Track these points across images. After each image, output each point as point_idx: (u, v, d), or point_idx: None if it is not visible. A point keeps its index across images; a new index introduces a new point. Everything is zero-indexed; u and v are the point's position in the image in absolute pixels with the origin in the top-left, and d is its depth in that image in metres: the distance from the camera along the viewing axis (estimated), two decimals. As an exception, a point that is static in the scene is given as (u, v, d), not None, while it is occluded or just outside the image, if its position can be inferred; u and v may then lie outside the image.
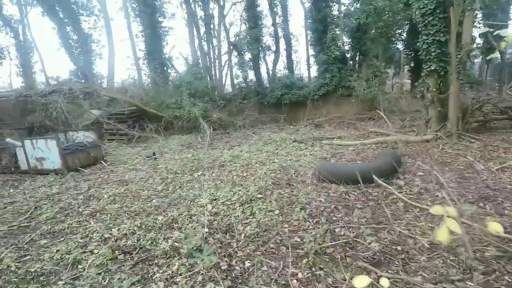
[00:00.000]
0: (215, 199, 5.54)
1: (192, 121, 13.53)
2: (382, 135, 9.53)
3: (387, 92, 14.25)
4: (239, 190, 5.85)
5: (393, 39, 20.28)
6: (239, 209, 5.04)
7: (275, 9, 17.16)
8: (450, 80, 8.10)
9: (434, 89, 8.33)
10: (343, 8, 15.77)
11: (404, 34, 21.97)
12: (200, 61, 17.80)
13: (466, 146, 7.52)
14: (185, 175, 7.28)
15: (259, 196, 5.51)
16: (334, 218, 4.54)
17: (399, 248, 3.65)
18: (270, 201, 5.24)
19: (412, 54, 21.46)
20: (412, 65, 21.71)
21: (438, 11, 7.82)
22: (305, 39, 19.32)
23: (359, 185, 5.69)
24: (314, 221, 4.48)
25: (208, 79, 17.80)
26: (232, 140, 12.04)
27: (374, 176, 5.58)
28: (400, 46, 23.50)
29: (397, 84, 26.12)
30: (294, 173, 6.82)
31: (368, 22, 13.14)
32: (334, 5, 15.53)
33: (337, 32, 14.27)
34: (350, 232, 4.09)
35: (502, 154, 6.80)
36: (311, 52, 18.03)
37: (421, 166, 6.48)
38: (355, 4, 14.30)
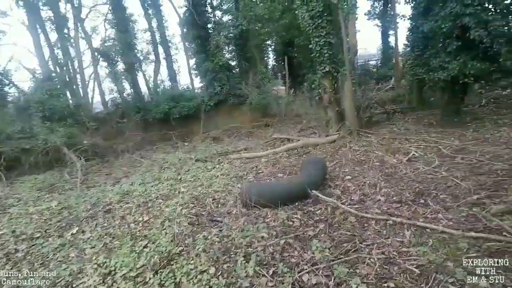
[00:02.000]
0: (110, 272, 3.57)
1: (52, 153, 10.08)
2: (289, 141, 9.20)
3: (281, 97, 14.47)
4: (145, 247, 4.03)
5: (265, 48, 21.30)
6: (153, 281, 3.29)
7: (149, 11, 15.10)
8: (342, 80, 8.43)
9: (330, 90, 8.51)
10: (219, 13, 15.21)
11: (273, 45, 23.59)
12: (54, 74, 13.85)
13: (368, 142, 7.84)
14: (50, 239, 4.79)
15: (178, 249, 3.87)
16: (293, 260, 3.41)
17: (391, 285, 2.82)
18: (197, 255, 3.69)
19: (282, 63, 23.24)
20: (286, 72, 23.56)
21: (325, 14, 8.03)
22: (183, 47, 18.02)
23: (296, 204, 4.86)
24: (270, 271, 3.23)
25: (69, 96, 14.06)
26: (115, 171, 9.48)
27: (312, 191, 4.81)
28: (271, 55, 25.09)
29: (273, 90, 27.95)
30: (213, 203, 5.41)
31: (250, 28, 12.97)
32: (215, 11, 14.81)
33: (222, 39, 13.57)
34: (323, 276, 3.04)
35: (399, 145, 7.28)
36: (192, 61, 16.88)
37: (344, 170, 6.18)
38: (233, 10, 13.95)
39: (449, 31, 7.50)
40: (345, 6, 7.95)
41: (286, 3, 14.59)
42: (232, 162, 8.18)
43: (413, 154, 6.36)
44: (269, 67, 24.96)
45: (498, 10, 7.37)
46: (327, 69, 8.32)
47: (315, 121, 10.75)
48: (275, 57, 25.29)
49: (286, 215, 4.43)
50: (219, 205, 5.29)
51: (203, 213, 5.01)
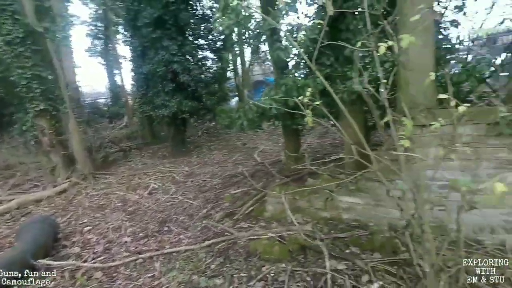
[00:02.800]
0: None
1: None
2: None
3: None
4: None
5: None
6: None
7: None
8: (65, 120, 7.37)
9: (51, 132, 7.14)
10: None
11: None
12: None
13: (107, 183, 7.32)
14: None
15: None
16: None
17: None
18: None
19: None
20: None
21: (29, 42, 6.63)
22: None
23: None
24: None
25: None
26: None
27: (39, 260, 3.69)
28: None
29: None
30: None
31: None
32: None
33: None
34: None
35: (139, 180, 7.40)
36: None
37: (82, 221, 5.33)
38: None
39: (164, 74, 8.73)
40: (57, 37, 7.10)
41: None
42: None
43: (153, 187, 6.67)
44: None
45: (196, 62, 9.55)
46: (42, 107, 6.92)
47: (36, 171, 8.60)
48: None
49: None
50: None
51: None
